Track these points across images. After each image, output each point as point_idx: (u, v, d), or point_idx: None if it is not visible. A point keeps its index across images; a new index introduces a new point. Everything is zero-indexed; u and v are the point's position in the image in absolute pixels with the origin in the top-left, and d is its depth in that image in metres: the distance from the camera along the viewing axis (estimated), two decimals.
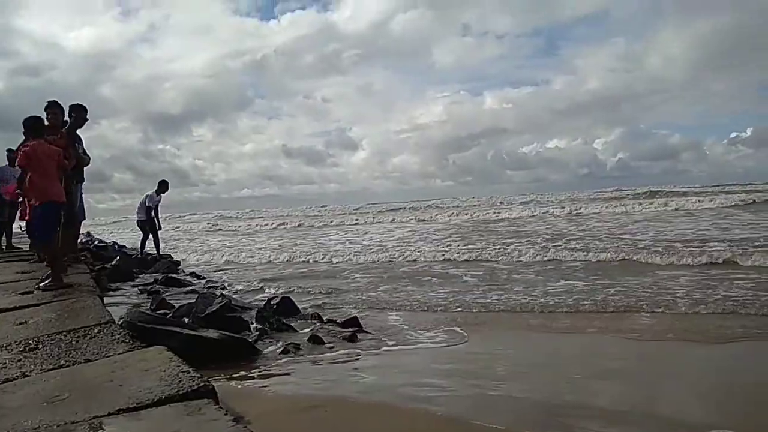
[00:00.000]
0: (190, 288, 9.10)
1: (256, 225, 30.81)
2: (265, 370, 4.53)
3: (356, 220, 28.37)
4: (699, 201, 21.45)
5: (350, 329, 5.74)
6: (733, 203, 19.82)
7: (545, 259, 10.37)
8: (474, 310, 6.72)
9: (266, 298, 7.25)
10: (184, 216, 48.60)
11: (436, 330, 5.78)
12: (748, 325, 5.34)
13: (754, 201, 19.86)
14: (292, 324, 6.18)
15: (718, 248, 9.77)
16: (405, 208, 37.78)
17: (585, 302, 6.72)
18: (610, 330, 5.57)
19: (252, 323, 6.05)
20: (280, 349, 5.11)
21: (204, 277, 10.85)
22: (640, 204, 22.70)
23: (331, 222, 28.37)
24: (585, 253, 10.45)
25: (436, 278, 9.40)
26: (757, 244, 10.21)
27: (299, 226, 27.79)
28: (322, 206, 47.91)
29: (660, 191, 31.35)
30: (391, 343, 5.38)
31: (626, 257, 9.65)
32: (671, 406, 3.47)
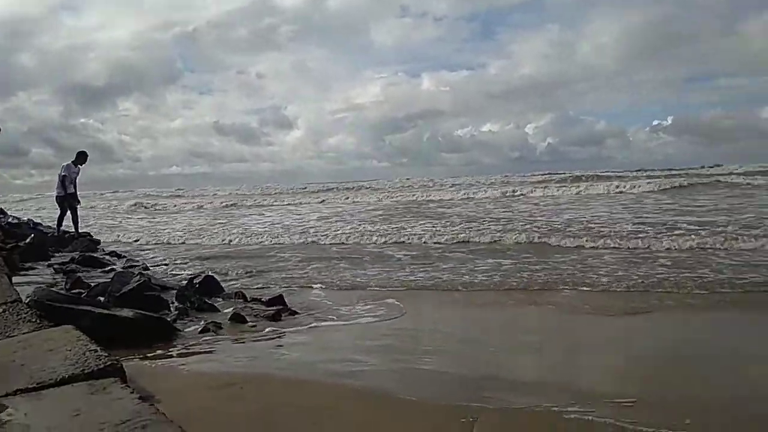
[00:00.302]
0: (110, 267, 8.73)
1: (184, 203, 29.87)
2: (183, 349, 4.40)
3: (289, 200, 28.03)
4: (623, 186, 22.30)
5: (275, 307, 5.67)
6: (656, 188, 20.70)
7: (470, 239, 10.52)
8: (403, 288, 6.78)
9: (189, 277, 7.05)
10: (106, 194, 46.45)
11: (364, 307, 5.80)
12: (651, 301, 5.66)
13: (674, 186, 20.85)
14: (215, 303, 6.05)
15: (636, 231, 10.21)
16: (338, 188, 37.61)
17: (511, 280, 6.92)
18: (533, 305, 5.78)
19: (172, 303, 5.88)
20: (200, 328, 4.99)
21: (124, 257, 10.42)
22: (566, 188, 23.39)
23: (263, 201, 27.88)
24: (516, 233, 10.66)
25: (366, 257, 9.42)
26: (669, 226, 10.76)
27: (230, 205, 27.09)
28: (254, 186, 46.87)
29: (587, 175, 32.58)
30: (317, 320, 5.34)
31: (546, 239, 9.90)
32: (583, 376, 3.64)
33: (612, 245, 8.86)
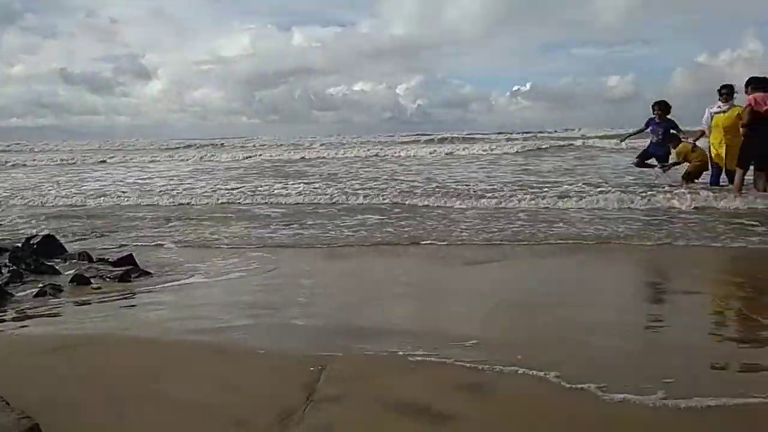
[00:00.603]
0: None
1: (24, 159, 26.93)
2: (15, 314, 4.03)
3: (148, 156, 26.35)
4: (487, 147, 23.34)
5: (124, 267, 5.34)
6: (517, 150, 21.89)
7: (336, 198, 10.50)
8: (270, 245, 6.66)
9: (25, 237, 6.41)
10: None
11: (225, 264, 5.63)
12: (506, 252, 6.08)
13: (532, 149, 22.17)
14: (55, 265, 5.58)
15: (494, 190, 10.75)
16: (200, 145, 35.97)
17: (376, 235, 7.04)
18: (397, 258, 5.98)
19: (5, 265, 5.34)
20: (36, 292, 4.58)
21: None
22: (434, 149, 23.97)
23: (116, 157, 25.90)
24: (379, 192, 10.76)
25: (231, 215, 9.12)
26: (523, 184, 11.49)
27: (76, 161, 24.81)
28: (106, 140, 43.28)
29: (453, 137, 33.86)
30: (172, 279, 5.12)
31: (411, 199, 10.06)
32: (433, 322, 3.83)
33: (473, 204, 9.19)
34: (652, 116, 10.58)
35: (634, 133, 11.89)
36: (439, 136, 35.04)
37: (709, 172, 9.82)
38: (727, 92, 9.25)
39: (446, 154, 22.00)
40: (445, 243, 6.47)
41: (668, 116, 10.51)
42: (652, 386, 2.51)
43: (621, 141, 12.77)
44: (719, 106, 9.35)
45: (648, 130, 10.77)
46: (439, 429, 2.22)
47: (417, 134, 39.97)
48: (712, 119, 9.42)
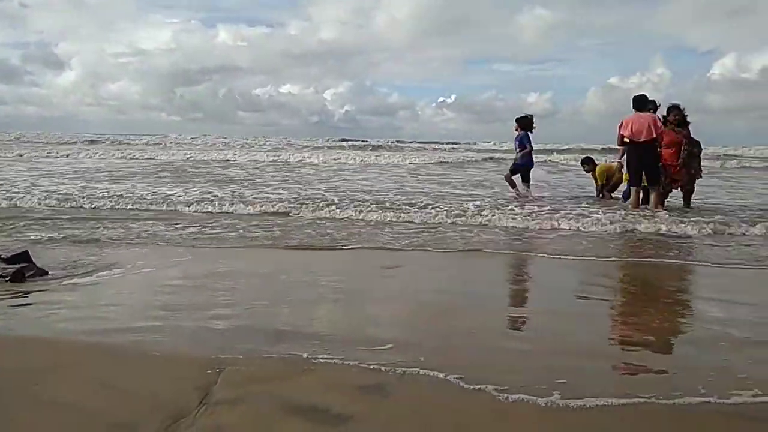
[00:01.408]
0: None
1: None
2: None
3: (54, 151, 24.88)
4: (408, 157, 23.51)
5: (18, 265, 4.99)
6: (435, 161, 22.17)
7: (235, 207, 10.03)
8: (173, 243, 6.44)
9: None
10: None
11: (128, 263, 5.38)
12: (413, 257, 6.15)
13: (453, 161, 22.47)
14: None
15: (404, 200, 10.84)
16: (110, 141, 34.38)
17: (286, 239, 6.95)
18: (305, 261, 5.92)
19: None
20: None
21: None
22: (356, 155, 23.85)
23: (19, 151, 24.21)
24: (289, 202, 10.55)
25: (144, 213, 8.74)
26: (435, 196, 11.67)
27: None
28: (7, 132, 40.38)
29: (375, 145, 34.06)
30: (71, 276, 4.84)
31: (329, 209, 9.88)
32: (341, 326, 3.80)
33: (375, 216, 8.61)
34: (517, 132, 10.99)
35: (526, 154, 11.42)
36: (365, 143, 35.23)
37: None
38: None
39: (368, 162, 21.84)
40: (352, 247, 6.47)
41: (525, 130, 10.89)
42: (547, 387, 2.60)
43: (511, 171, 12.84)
44: None
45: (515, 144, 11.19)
46: (336, 430, 2.19)
47: (341, 139, 39.99)
48: None
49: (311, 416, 2.27)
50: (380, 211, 8.77)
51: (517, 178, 11.04)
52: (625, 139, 9.06)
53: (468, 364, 2.89)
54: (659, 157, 9.08)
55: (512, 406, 2.43)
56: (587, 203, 9.77)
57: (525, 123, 10.94)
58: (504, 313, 4.14)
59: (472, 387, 2.59)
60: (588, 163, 11.18)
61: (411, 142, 39.58)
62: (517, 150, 11.02)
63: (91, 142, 33.79)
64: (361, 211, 8.81)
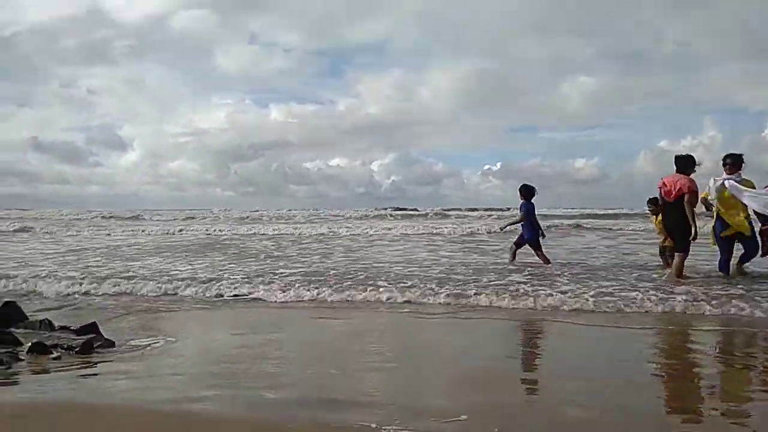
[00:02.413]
0: None
1: None
2: None
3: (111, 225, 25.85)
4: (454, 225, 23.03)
5: (86, 336, 5.11)
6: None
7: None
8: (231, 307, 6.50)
9: None
10: None
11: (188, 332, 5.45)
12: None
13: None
14: (16, 333, 5.33)
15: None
16: (159, 217, 35.23)
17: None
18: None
19: None
20: None
21: None
22: (402, 225, 23.30)
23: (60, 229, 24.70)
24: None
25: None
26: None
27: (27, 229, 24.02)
28: (74, 210, 42.22)
29: (418, 214, 34.20)
30: (136, 348, 4.92)
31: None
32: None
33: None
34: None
35: (514, 222, 10.93)
36: (416, 212, 35.44)
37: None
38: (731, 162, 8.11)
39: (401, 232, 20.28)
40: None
41: (528, 199, 10.30)
42: None
43: (501, 229, 12.26)
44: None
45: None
46: None
47: (396, 208, 40.28)
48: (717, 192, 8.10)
49: None
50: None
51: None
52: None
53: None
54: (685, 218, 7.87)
55: None
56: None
57: (529, 192, 10.40)
58: (570, 382, 3.94)
59: None
60: (654, 204, 9.47)
61: (456, 209, 39.55)
62: (522, 221, 10.36)
63: (135, 217, 34.77)
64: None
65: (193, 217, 34.92)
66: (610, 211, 31.47)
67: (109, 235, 21.21)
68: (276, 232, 21.20)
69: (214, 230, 23.00)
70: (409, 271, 9.40)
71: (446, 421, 2.92)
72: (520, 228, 10.56)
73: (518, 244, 10.47)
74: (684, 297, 6.58)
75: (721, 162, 8.18)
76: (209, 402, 3.29)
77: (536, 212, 10.40)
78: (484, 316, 6.23)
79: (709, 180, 8.23)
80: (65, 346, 4.85)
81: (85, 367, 4.29)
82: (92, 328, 5.36)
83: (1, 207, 45.24)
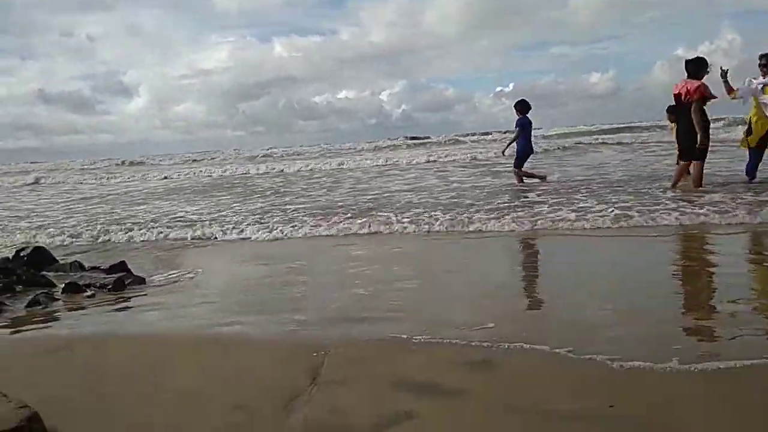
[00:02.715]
0: None
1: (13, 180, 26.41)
2: (8, 321, 3.95)
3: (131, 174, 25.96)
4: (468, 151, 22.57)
5: (117, 274, 5.25)
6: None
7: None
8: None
9: (15, 250, 6.32)
10: None
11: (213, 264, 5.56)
12: None
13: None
14: (48, 275, 5.49)
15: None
16: (166, 161, 34.76)
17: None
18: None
19: None
20: (28, 301, 4.50)
21: None
22: (409, 154, 22.74)
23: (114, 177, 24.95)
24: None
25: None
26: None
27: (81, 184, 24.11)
28: (101, 160, 42.19)
29: (430, 141, 33.54)
30: (165, 282, 5.06)
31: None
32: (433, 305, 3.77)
33: None
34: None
35: (513, 141, 10.66)
36: (427, 139, 34.93)
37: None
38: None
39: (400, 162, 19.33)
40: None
41: (525, 114, 10.21)
42: (661, 354, 2.49)
43: (503, 153, 11.33)
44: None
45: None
46: (452, 403, 2.17)
47: (411, 137, 39.51)
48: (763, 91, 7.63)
49: (422, 391, 2.26)
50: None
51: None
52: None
53: (572, 337, 2.81)
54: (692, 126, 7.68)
55: (629, 373, 2.34)
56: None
57: (525, 107, 10.27)
58: (594, 289, 4.00)
59: (582, 357, 2.51)
60: (671, 113, 9.33)
61: (470, 134, 38.86)
62: (518, 137, 10.30)
63: (138, 163, 34.39)
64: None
65: (197, 160, 34.24)
66: (627, 125, 30.83)
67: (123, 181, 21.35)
68: (285, 169, 20.54)
69: (225, 171, 22.13)
70: (420, 198, 9.36)
71: (474, 329, 2.99)
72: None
73: (519, 164, 10.36)
74: (708, 207, 6.44)
75: (758, 62, 7.63)
76: (241, 326, 3.39)
77: (533, 127, 10.35)
78: (500, 235, 6.25)
79: (744, 80, 7.86)
80: (98, 284, 4.99)
81: (120, 302, 4.42)
82: (121, 266, 5.49)
83: (17, 160, 45.48)
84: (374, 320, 3.35)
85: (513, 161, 10.53)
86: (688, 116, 7.72)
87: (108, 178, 22.81)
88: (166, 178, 21.49)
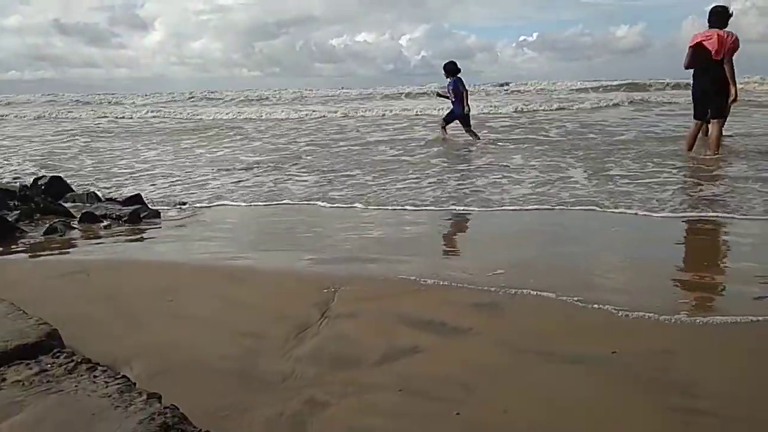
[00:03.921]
0: None
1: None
2: (26, 247, 4.05)
3: (143, 108, 25.84)
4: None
5: (133, 206, 5.33)
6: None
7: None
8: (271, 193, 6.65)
9: (32, 179, 6.41)
10: None
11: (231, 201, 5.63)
12: None
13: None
14: (65, 204, 5.59)
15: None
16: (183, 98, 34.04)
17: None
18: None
19: (14, 204, 5.34)
20: (45, 228, 4.60)
21: None
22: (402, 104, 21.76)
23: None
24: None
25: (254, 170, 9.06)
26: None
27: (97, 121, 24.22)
28: (109, 93, 41.86)
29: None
30: (180, 216, 5.14)
31: None
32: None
33: None
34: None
35: (442, 96, 11.18)
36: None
37: None
38: None
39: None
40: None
41: (455, 75, 10.23)
42: (668, 306, 2.52)
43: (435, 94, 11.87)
44: None
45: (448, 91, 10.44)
46: (456, 340, 2.22)
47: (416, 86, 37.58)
48: None
49: (429, 328, 2.31)
50: None
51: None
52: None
53: (579, 286, 2.83)
54: (724, 81, 7.25)
55: (634, 322, 2.37)
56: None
57: (454, 68, 10.28)
58: (605, 242, 4.01)
59: (588, 306, 2.54)
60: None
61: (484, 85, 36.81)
62: (452, 97, 10.31)
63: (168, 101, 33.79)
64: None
65: (194, 97, 33.94)
66: (653, 81, 29.76)
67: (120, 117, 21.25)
68: (273, 116, 19.07)
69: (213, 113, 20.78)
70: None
71: (485, 275, 3.03)
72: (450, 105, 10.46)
73: (447, 120, 10.50)
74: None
75: None
76: (253, 260, 3.46)
77: (466, 86, 10.23)
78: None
79: None
80: (114, 216, 5.07)
81: (135, 234, 4.51)
82: (137, 199, 5.56)
83: (34, 91, 45.34)
84: (385, 261, 3.39)
85: (444, 116, 10.65)
86: (717, 71, 7.24)
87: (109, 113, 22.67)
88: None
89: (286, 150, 10.05)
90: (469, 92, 10.36)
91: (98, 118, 20.89)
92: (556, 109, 17.29)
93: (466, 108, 10.16)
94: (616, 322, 2.37)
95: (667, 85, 27.20)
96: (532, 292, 2.72)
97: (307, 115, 18.77)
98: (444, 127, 10.52)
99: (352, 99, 28.31)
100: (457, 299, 2.65)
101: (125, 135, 14.13)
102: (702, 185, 5.63)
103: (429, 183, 6.39)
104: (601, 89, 26.98)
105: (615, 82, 30.05)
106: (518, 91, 30.71)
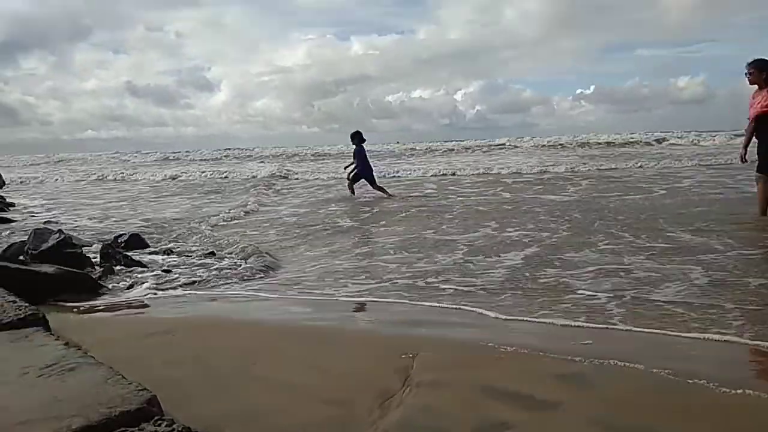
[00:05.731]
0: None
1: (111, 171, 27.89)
2: (110, 303, 4.23)
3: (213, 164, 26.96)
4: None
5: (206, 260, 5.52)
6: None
7: None
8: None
9: (113, 236, 6.73)
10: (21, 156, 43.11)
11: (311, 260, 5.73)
12: None
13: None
14: (143, 260, 5.83)
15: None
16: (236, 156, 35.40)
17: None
18: None
19: (97, 262, 5.62)
20: (129, 284, 4.80)
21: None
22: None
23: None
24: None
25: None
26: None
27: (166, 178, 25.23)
28: (185, 151, 43.77)
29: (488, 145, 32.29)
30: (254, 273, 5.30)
31: None
32: None
33: None
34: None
35: (351, 165, 12.43)
36: (503, 141, 34.06)
37: None
38: None
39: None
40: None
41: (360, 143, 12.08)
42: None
43: (345, 169, 12.88)
44: None
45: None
46: (547, 414, 2.14)
47: (469, 141, 37.50)
48: None
49: (517, 401, 2.24)
50: None
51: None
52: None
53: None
54: None
55: (738, 397, 2.23)
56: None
57: (360, 137, 12.12)
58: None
59: (684, 381, 2.41)
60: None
61: (541, 138, 36.05)
62: (356, 161, 12.10)
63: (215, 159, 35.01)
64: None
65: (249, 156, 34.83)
66: (713, 133, 28.87)
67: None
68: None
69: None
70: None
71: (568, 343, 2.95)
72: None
73: (354, 179, 12.12)
74: None
75: None
76: (334, 320, 3.50)
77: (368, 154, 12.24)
78: None
79: None
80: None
81: (213, 289, 4.65)
82: (210, 254, 5.75)
83: (108, 149, 48.17)
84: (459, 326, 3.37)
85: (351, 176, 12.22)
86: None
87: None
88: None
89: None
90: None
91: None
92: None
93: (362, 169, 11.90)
94: (715, 398, 2.24)
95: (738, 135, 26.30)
96: (619, 363, 2.61)
97: None
98: (351, 186, 12.15)
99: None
100: (541, 370, 2.57)
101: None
102: None
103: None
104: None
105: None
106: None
